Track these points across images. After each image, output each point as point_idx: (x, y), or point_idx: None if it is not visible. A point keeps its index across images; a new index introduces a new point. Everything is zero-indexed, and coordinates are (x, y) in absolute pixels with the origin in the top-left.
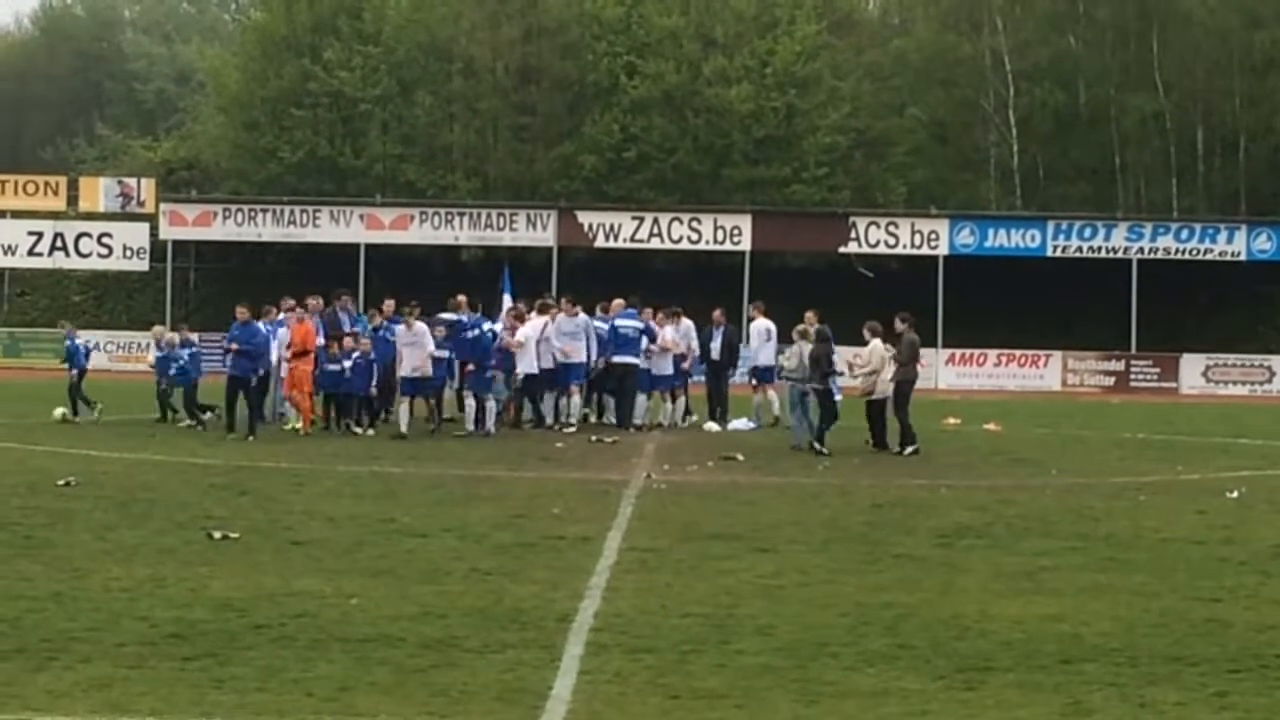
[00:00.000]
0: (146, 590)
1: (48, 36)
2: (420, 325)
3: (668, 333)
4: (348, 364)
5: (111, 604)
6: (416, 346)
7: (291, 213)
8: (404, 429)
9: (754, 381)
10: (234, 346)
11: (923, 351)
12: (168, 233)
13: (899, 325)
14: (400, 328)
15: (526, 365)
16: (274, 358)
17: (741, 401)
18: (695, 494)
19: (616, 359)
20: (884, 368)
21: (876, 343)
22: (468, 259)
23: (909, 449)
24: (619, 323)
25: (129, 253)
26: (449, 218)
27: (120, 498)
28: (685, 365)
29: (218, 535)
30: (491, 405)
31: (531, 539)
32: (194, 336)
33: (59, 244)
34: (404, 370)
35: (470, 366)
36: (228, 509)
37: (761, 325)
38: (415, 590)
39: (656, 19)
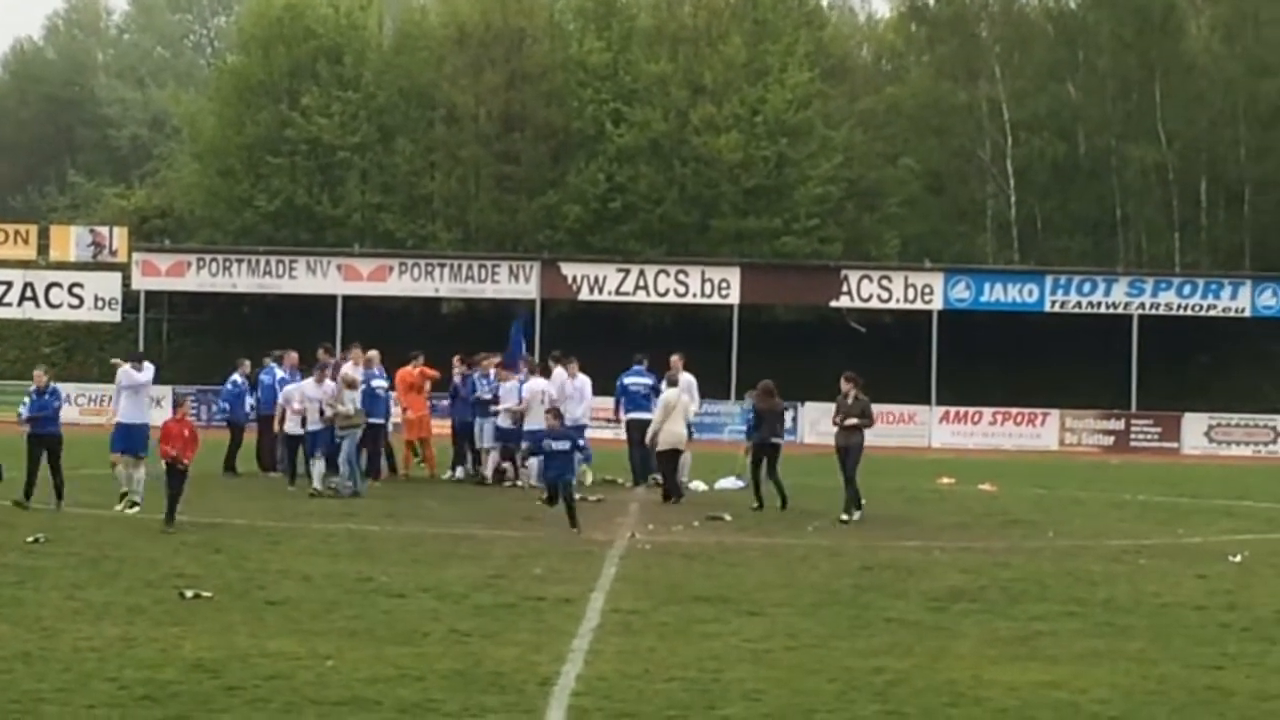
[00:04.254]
0: (117, 650)
1: (18, 80)
2: None
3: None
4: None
5: (81, 664)
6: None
7: (267, 263)
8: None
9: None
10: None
11: (917, 410)
12: (140, 283)
13: (844, 385)
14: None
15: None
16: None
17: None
18: (681, 555)
19: (630, 416)
20: (668, 418)
21: (673, 391)
22: (448, 311)
23: (855, 513)
24: (628, 380)
25: (100, 303)
26: (429, 269)
27: (90, 555)
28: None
29: (190, 594)
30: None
31: (512, 600)
32: None
33: (29, 294)
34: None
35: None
36: (200, 567)
37: (686, 379)
38: (392, 652)
39: (644, 65)
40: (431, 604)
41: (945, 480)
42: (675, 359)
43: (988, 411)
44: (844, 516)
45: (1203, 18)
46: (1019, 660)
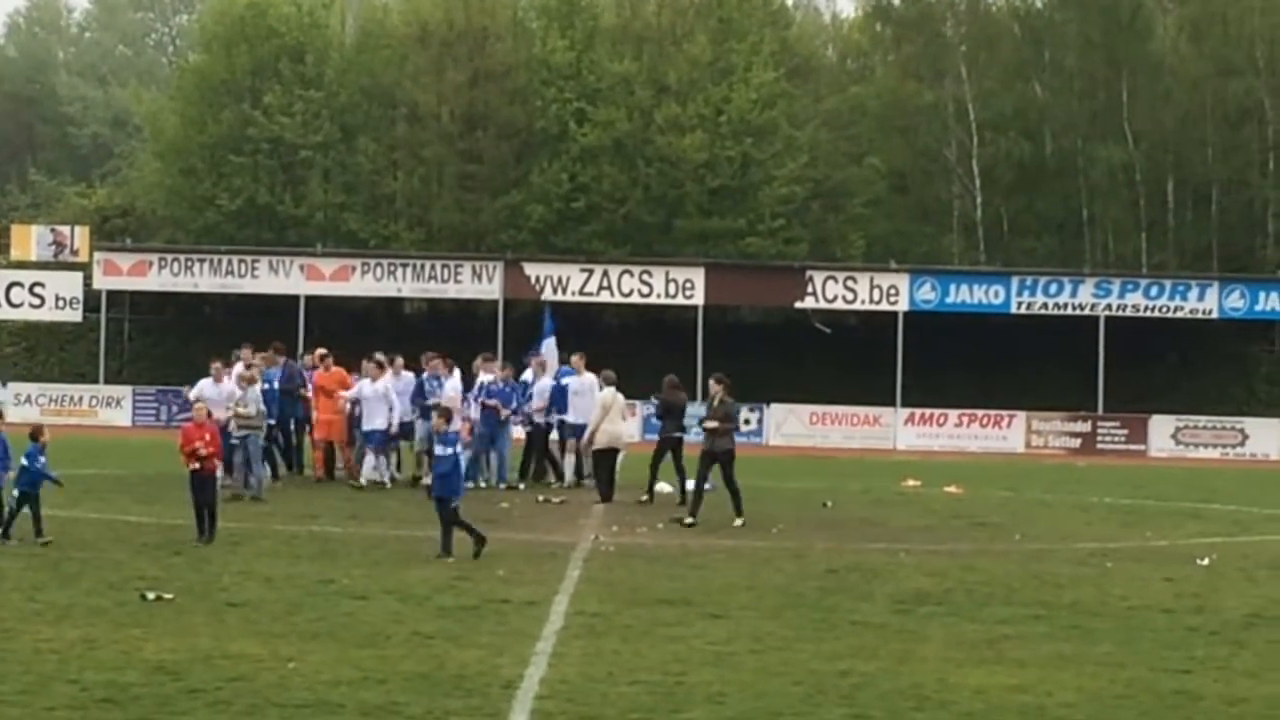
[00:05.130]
0: (78, 653)
1: None
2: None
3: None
4: None
5: (42, 666)
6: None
7: (229, 263)
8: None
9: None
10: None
11: (882, 411)
12: (102, 282)
13: (713, 387)
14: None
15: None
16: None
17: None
18: (645, 557)
19: (565, 417)
20: (605, 417)
21: (609, 390)
22: (411, 311)
23: (739, 521)
24: (564, 381)
25: (62, 303)
26: (392, 269)
27: (51, 556)
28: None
29: (151, 596)
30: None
31: (475, 602)
32: None
33: None
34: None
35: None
36: (161, 569)
37: (588, 380)
38: (355, 654)
39: (607, 64)
40: (394, 606)
41: (911, 482)
42: (576, 359)
43: (953, 413)
44: (739, 521)
45: (1170, 17)
46: (985, 663)
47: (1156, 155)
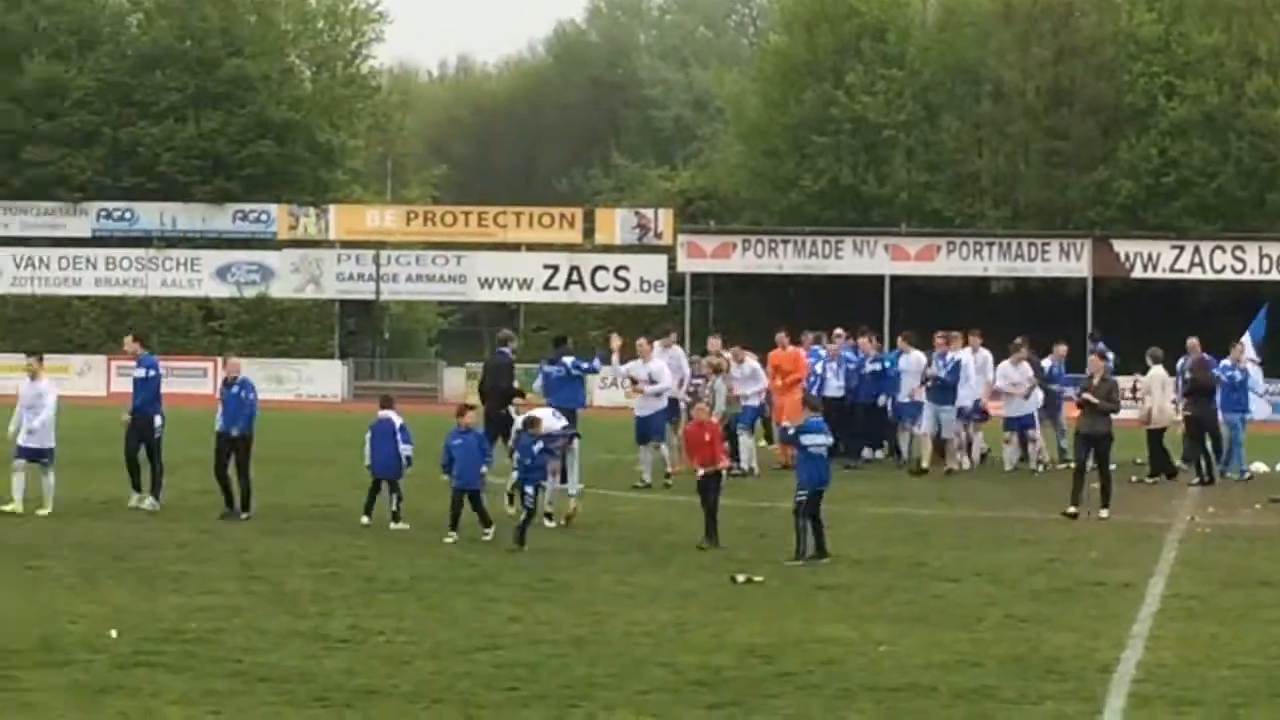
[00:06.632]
0: (669, 635)
1: (561, 64)
2: None
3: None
4: None
5: (634, 649)
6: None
7: (813, 244)
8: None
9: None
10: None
11: None
12: (686, 265)
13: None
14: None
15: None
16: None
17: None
18: (1243, 538)
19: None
20: (1162, 396)
21: (1157, 370)
22: (997, 291)
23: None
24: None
25: (646, 285)
26: (977, 248)
27: (640, 539)
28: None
29: (741, 579)
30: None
31: (1068, 584)
32: None
33: (574, 277)
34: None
35: None
36: (750, 551)
37: (969, 356)
38: (946, 637)
39: (1196, 36)
40: (986, 589)
41: None
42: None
43: None
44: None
45: None
46: None
47: None
